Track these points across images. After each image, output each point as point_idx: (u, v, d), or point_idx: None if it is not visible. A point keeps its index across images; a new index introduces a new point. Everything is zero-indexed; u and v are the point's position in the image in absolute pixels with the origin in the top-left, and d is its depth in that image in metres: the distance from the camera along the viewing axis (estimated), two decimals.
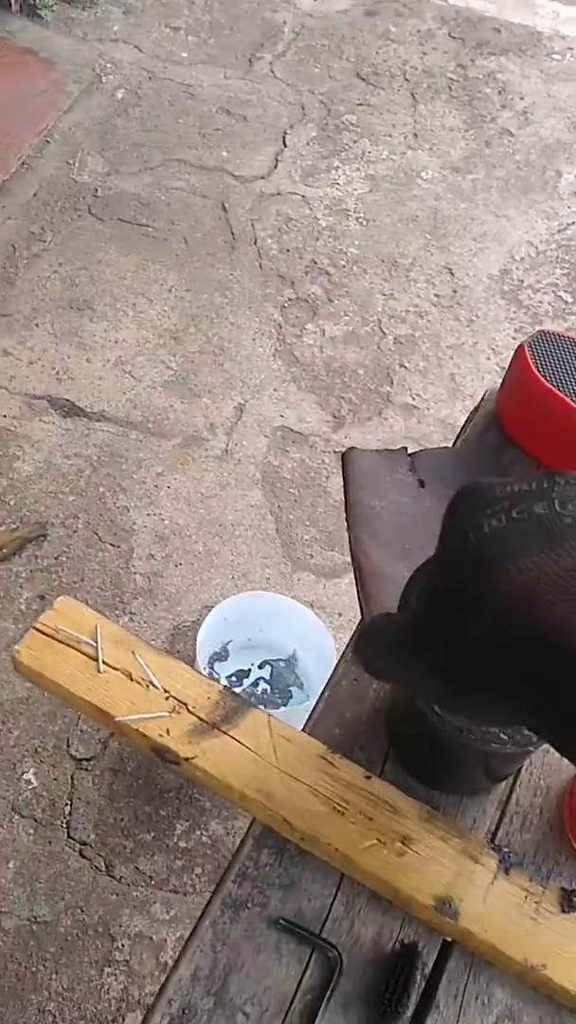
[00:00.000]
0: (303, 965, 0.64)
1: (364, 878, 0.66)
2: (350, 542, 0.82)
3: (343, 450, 0.87)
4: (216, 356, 2.11)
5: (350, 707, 0.75)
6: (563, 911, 0.64)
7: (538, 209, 2.55)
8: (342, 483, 0.85)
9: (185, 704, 0.71)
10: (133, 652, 0.72)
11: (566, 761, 0.73)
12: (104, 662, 0.72)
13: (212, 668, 1.62)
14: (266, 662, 1.65)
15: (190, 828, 1.46)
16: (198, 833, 1.45)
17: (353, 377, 2.11)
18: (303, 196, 2.49)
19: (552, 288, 2.37)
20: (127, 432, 1.94)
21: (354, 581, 0.80)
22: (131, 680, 0.71)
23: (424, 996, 0.64)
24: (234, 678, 1.62)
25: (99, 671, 0.71)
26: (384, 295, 2.29)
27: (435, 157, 2.64)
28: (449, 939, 0.66)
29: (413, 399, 2.08)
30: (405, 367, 2.14)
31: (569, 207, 2.57)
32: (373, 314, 2.24)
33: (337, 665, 0.78)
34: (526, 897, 0.65)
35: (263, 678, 1.63)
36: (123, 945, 1.37)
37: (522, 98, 2.85)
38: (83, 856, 1.44)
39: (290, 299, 2.25)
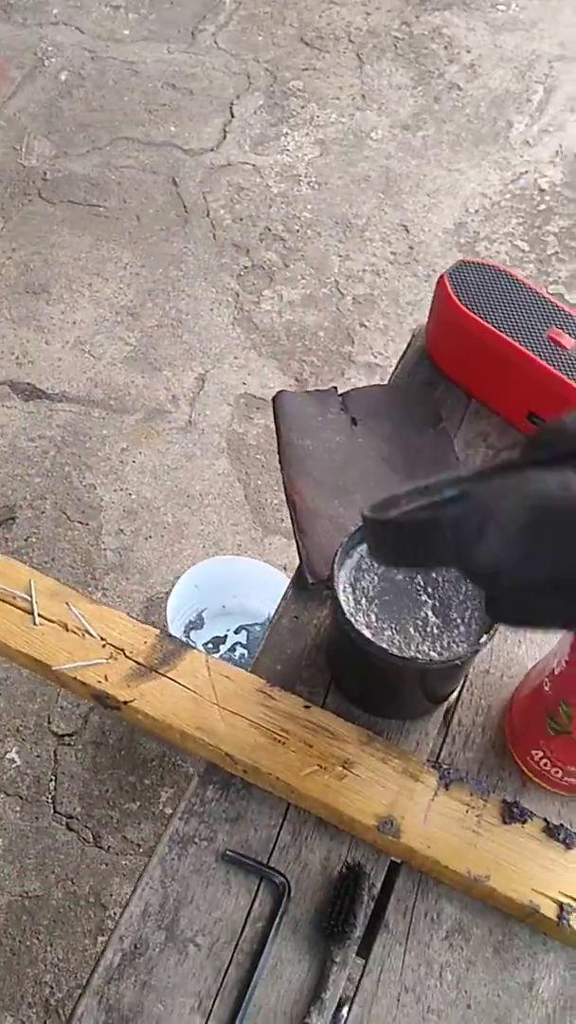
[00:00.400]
0: (252, 894, 0.65)
1: (308, 804, 0.67)
2: (284, 483, 0.82)
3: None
4: (174, 329, 2.10)
5: (291, 644, 0.76)
6: (504, 822, 0.65)
7: (491, 160, 2.54)
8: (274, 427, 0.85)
9: (122, 650, 0.71)
10: (68, 603, 0.73)
11: (505, 680, 0.74)
12: (40, 615, 0.72)
13: (188, 636, 1.63)
14: (242, 627, 1.65)
15: (175, 795, 1.47)
16: None
17: (313, 340, 2.11)
18: (254, 165, 2.48)
19: (508, 238, 2.37)
20: (89, 411, 1.94)
21: (290, 521, 0.81)
22: (67, 631, 0.72)
23: (373, 916, 0.65)
24: (210, 645, 1.63)
25: (35, 624, 0.72)
26: (340, 256, 2.28)
27: (384, 116, 2.63)
28: (396, 859, 0.66)
29: (375, 357, 2.08)
30: (365, 326, 2.13)
31: (521, 156, 2.56)
32: (330, 276, 2.24)
33: (278, 605, 0.78)
34: (467, 811, 0.65)
35: (240, 643, 1.64)
36: (115, 914, 1.38)
37: (469, 51, 2.83)
38: (70, 829, 1.45)
39: (246, 267, 2.24)
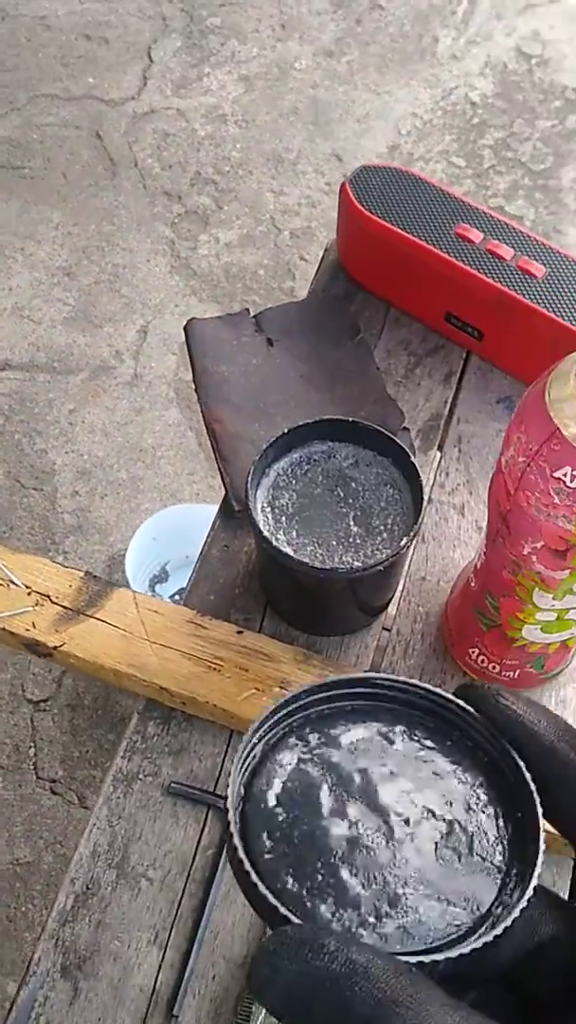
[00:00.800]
0: (200, 824, 0.64)
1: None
2: (202, 412, 0.80)
3: None
4: (112, 284, 2.06)
5: (223, 573, 0.74)
6: None
7: (419, 79, 2.49)
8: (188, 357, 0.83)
9: (48, 596, 0.70)
10: None
11: (442, 585, 0.73)
12: None
13: (154, 590, 1.61)
14: None
15: None
16: None
17: (254, 279, 2.07)
18: (178, 109, 2.42)
19: (444, 156, 2.32)
20: (34, 376, 1.90)
21: (211, 450, 0.79)
22: None
23: None
24: (177, 597, 1.61)
25: None
26: (274, 192, 2.24)
27: (306, 45, 2.57)
28: None
29: None
30: (305, 260, 2.10)
31: (451, 71, 2.51)
32: (265, 213, 2.19)
33: (207, 535, 0.77)
34: None
35: None
36: None
37: None
38: (54, 793, 1.45)
39: (179, 214, 2.20)
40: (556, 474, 0.47)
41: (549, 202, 2.23)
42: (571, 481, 0.47)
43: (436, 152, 2.33)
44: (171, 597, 1.61)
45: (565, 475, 0.47)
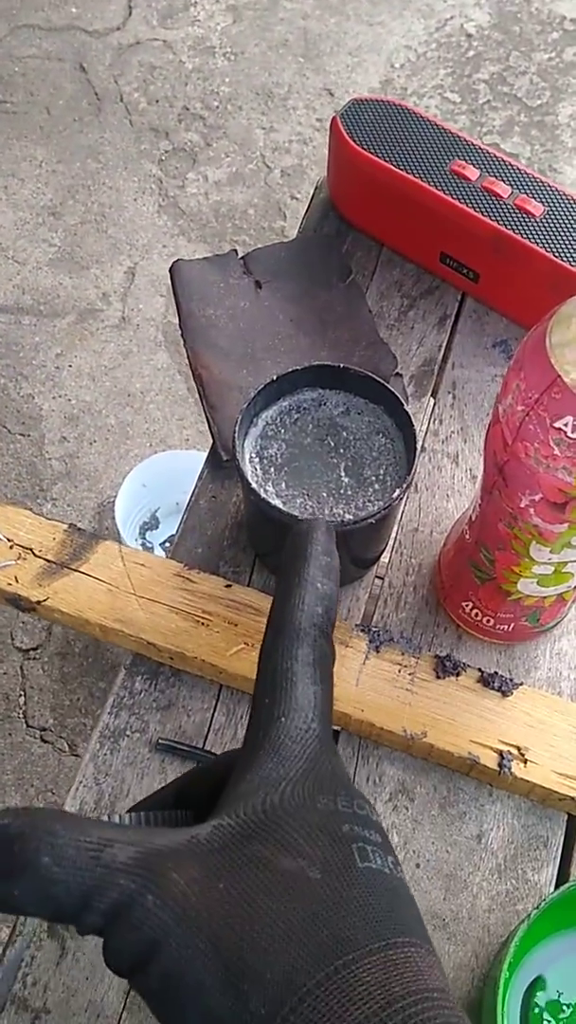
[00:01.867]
0: None
1: (239, 683, 0.65)
2: (188, 358, 0.78)
3: None
4: (99, 224, 2.01)
5: (211, 525, 0.72)
6: (438, 677, 0.63)
7: (413, 9, 2.41)
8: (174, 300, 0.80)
9: (31, 549, 0.68)
10: None
11: (435, 536, 0.71)
12: None
13: (144, 537, 1.60)
14: None
15: None
16: None
17: (244, 218, 2.02)
18: (164, 41, 2.34)
19: (438, 91, 2.26)
20: (19, 319, 1.87)
21: (198, 397, 0.77)
22: None
23: None
24: (168, 544, 1.60)
25: None
26: (264, 129, 2.18)
27: None
28: (335, 727, 0.65)
29: None
30: (296, 198, 2.05)
31: (445, 1, 2.43)
32: (255, 150, 2.14)
33: (194, 486, 0.75)
34: (399, 671, 0.63)
35: None
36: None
37: None
38: (44, 741, 1.44)
39: (167, 151, 2.14)
40: (557, 424, 0.45)
41: (545, 139, 2.17)
42: (572, 431, 0.45)
43: (430, 87, 2.26)
44: (162, 544, 1.60)
45: (566, 425, 0.45)
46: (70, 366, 1.80)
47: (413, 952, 0.30)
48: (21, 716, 1.46)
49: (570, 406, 0.44)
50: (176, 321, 1.79)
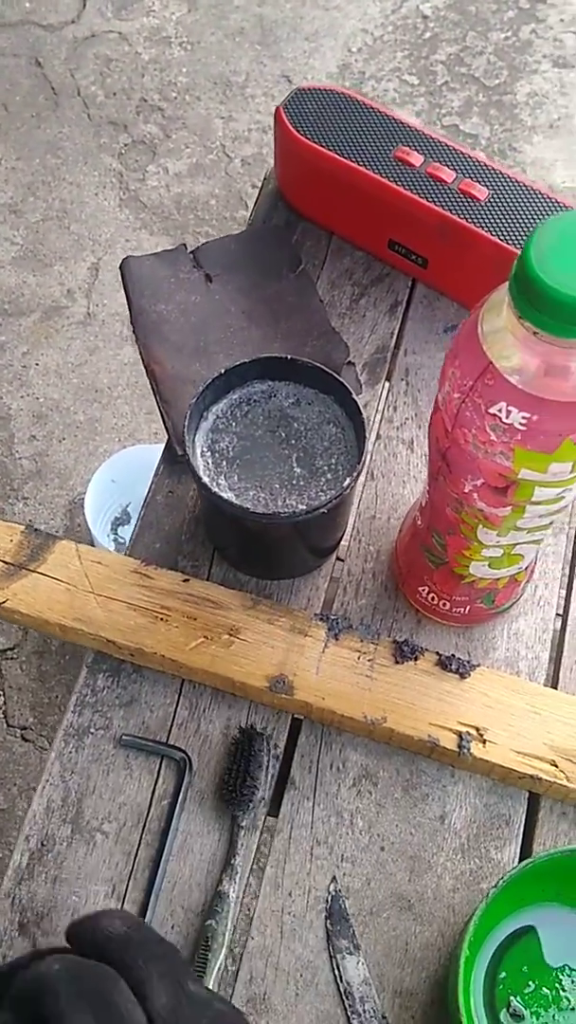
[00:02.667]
0: (154, 775, 0.64)
1: (200, 677, 0.65)
2: (140, 354, 0.78)
3: None
4: (61, 220, 2.00)
5: (168, 520, 0.73)
6: (396, 662, 0.64)
7: None
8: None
9: None
10: None
11: (392, 523, 0.72)
12: None
13: (116, 532, 1.60)
14: None
15: None
16: None
17: (206, 209, 2.02)
18: (120, 33, 2.33)
19: (396, 74, 2.26)
20: None
21: (152, 392, 0.77)
22: None
23: (281, 776, 0.64)
24: None
25: None
26: (223, 119, 2.17)
27: None
28: (299, 715, 0.65)
29: None
30: (258, 187, 2.04)
31: None
32: (215, 140, 2.13)
33: (150, 482, 0.75)
34: (359, 657, 0.64)
35: None
36: None
37: None
38: (25, 740, 1.45)
39: (126, 144, 2.13)
40: (491, 410, 0.46)
41: (504, 118, 2.17)
42: (507, 417, 0.45)
43: (388, 70, 2.26)
44: None
45: (500, 411, 0.45)
46: (37, 364, 1.79)
47: None
48: (1, 716, 1.46)
49: (503, 392, 0.45)
50: None
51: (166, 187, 2.05)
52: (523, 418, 0.45)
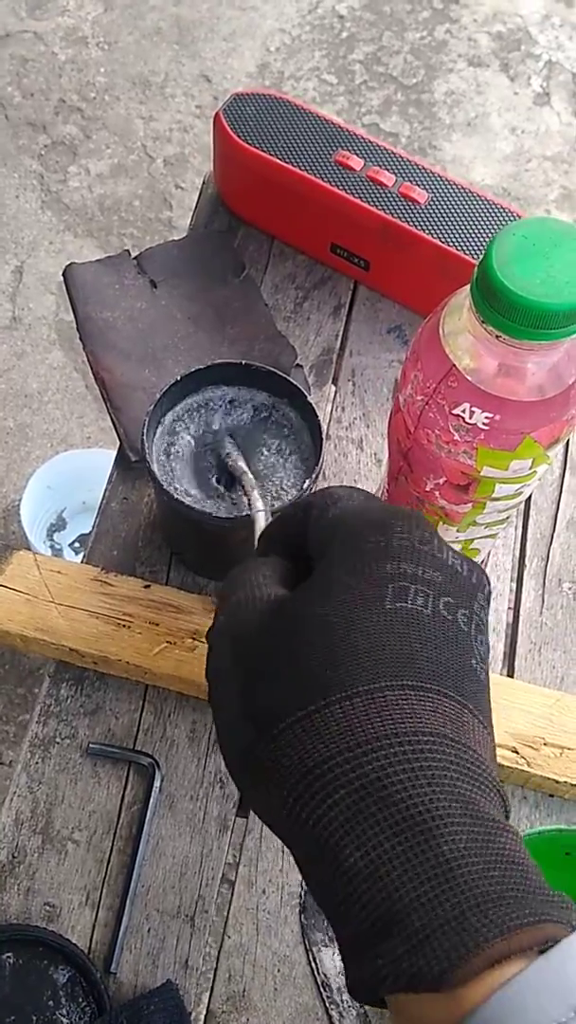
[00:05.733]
0: (123, 782, 0.64)
1: (165, 682, 0.65)
2: (89, 362, 0.78)
3: None
4: None
5: (124, 527, 0.73)
6: None
7: None
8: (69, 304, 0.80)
9: None
10: None
11: None
12: None
13: (52, 539, 1.58)
14: None
15: None
16: None
17: (130, 210, 2.01)
18: (35, 32, 2.30)
19: (315, 73, 2.28)
20: None
21: (102, 400, 0.77)
22: None
23: None
24: (77, 543, 1.59)
25: None
26: (143, 119, 2.16)
27: None
28: None
29: None
30: (181, 187, 2.04)
31: None
32: (136, 141, 2.12)
33: (104, 489, 0.75)
34: None
35: None
36: None
37: None
38: None
39: (46, 145, 2.11)
40: (455, 411, 0.47)
41: (423, 117, 2.21)
42: (470, 417, 0.47)
43: (307, 69, 2.28)
44: (71, 545, 1.59)
45: (464, 411, 0.47)
46: None
47: (410, 695, 0.31)
48: None
49: (466, 393, 0.46)
50: (70, 319, 1.77)
51: (88, 188, 2.04)
52: (486, 418, 0.46)
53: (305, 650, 0.32)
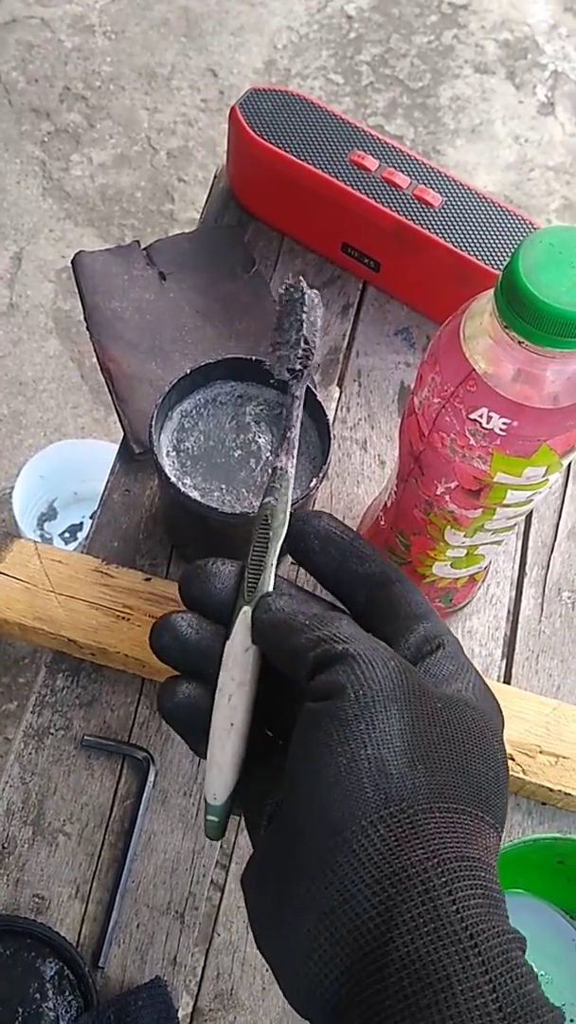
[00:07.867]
0: (116, 775, 0.63)
1: (162, 675, 0.65)
2: (95, 352, 0.77)
3: None
4: None
5: (125, 519, 0.72)
6: None
7: None
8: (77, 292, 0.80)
9: None
10: None
11: (348, 521, 0.72)
12: None
13: (42, 528, 1.57)
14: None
15: None
16: None
17: (131, 201, 2.00)
18: (42, 19, 2.29)
19: (321, 72, 2.27)
20: None
21: (107, 390, 0.76)
22: None
23: None
24: (67, 534, 1.58)
25: None
26: (148, 110, 2.15)
27: None
28: None
29: (198, 211, 1.98)
30: (184, 180, 2.04)
31: None
32: (140, 132, 2.11)
33: (107, 480, 0.75)
34: None
35: None
36: None
37: None
38: None
39: (49, 132, 2.09)
40: (472, 415, 0.47)
41: (428, 121, 2.21)
42: (487, 422, 0.47)
43: (313, 68, 2.27)
44: (61, 535, 1.58)
45: (481, 416, 0.47)
46: None
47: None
48: None
49: (485, 398, 0.46)
50: (67, 307, 1.76)
51: (90, 177, 2.03)
52: (503, 423, 0.46)
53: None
